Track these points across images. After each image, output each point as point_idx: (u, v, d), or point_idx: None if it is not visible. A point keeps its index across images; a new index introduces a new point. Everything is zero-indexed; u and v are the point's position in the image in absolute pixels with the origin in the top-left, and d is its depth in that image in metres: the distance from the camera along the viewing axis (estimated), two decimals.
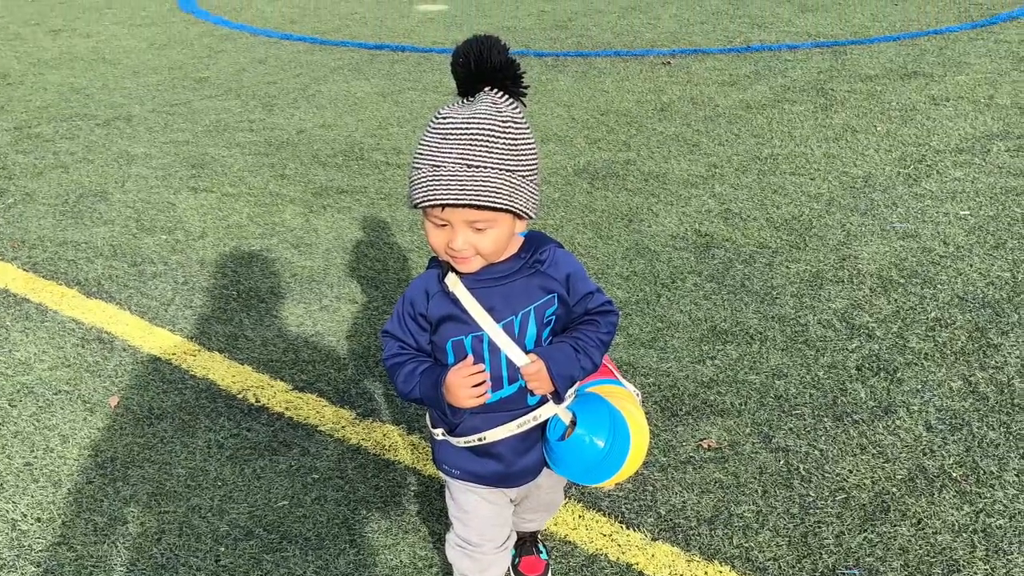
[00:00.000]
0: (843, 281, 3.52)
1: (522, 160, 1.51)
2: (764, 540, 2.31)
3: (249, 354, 3.26)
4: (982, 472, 2.51)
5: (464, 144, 1.46)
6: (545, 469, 1.79)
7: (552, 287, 1.65)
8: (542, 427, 1.72)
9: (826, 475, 2.53)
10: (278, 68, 6.90)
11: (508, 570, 2.01)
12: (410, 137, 5.33)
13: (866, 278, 3.54)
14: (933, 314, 3.27)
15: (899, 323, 3.22)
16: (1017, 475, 2.49)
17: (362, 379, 3.11)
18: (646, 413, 2.21)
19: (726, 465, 2.59)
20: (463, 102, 1.51)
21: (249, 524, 2.45)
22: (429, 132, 1.51)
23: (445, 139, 1.47)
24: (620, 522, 2.40)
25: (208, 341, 3.35)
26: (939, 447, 2.61)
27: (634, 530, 2.37)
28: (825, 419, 2.76)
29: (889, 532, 2.32)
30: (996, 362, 2.99)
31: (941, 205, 4.11)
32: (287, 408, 2.95)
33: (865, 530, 2.33)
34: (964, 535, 2.30)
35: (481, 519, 1.80)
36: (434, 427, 1.76)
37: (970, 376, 2.92)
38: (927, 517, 2.36)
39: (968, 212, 4.03)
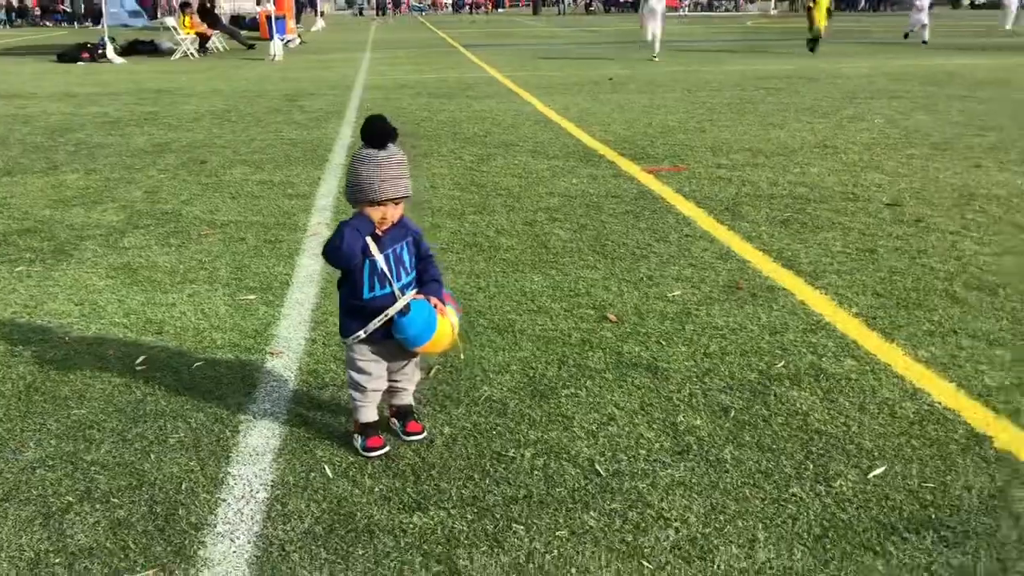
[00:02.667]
0: None
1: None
2: None
3: None
4: None
5: (401, 166, 2.64)
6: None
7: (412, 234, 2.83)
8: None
9: None
10: None
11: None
12: None
13: None
14: None
15: None
16: None
17: None
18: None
19: None
20: (381, 149, 2.61)
21: None
22: (370, 162, 2.59)
23: (385, 166, 2.60)
24: None
25: None
26: None
27: None
28: None
29: None
30: None
31: None
32: None
33: None
34: None
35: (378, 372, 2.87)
36: (347, 335, 2.79)
37: None
38: None
39: None
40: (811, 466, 2.73)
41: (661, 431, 2.96)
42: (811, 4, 19.68)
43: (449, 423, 3.03)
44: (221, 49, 22.97)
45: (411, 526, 2.46)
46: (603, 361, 3.51)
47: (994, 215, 5.62)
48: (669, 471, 2.72)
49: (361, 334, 2.72)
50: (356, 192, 2.62)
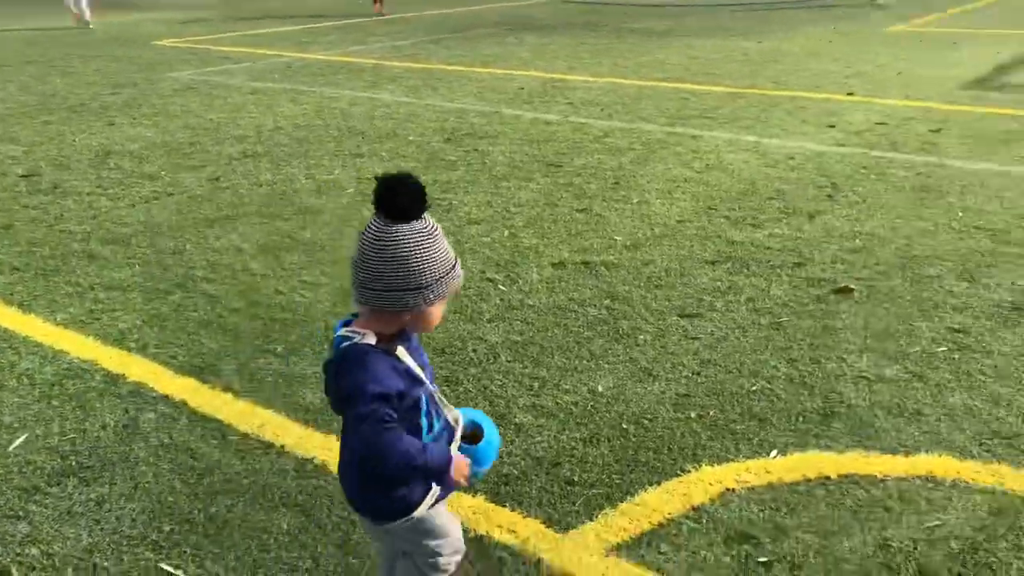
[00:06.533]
0: None
1: None
2: None
3: None
4: None
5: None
6: None
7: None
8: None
9: None
10: None
11: None
12: None
13: None
14: None
15: None
16: None
17: None
18: None
19: None
20: (420, 220, 1.69)
21: None
22: (428, 242, 1.68)
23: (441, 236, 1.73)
24: None
25: None
26: None
27: None
28: None
29: None
30: None
31: None
32: None
33: None
34: None
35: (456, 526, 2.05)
36: (419, 504, 1.87)
37: None
38: None
39: None
40: None
41: None
42: None
43: None
44: None
45: None
46: None
47: (127, 169, 6.00)
48: None
49: (437, 490, 1.89)
50: (434, 287, 1.70)
